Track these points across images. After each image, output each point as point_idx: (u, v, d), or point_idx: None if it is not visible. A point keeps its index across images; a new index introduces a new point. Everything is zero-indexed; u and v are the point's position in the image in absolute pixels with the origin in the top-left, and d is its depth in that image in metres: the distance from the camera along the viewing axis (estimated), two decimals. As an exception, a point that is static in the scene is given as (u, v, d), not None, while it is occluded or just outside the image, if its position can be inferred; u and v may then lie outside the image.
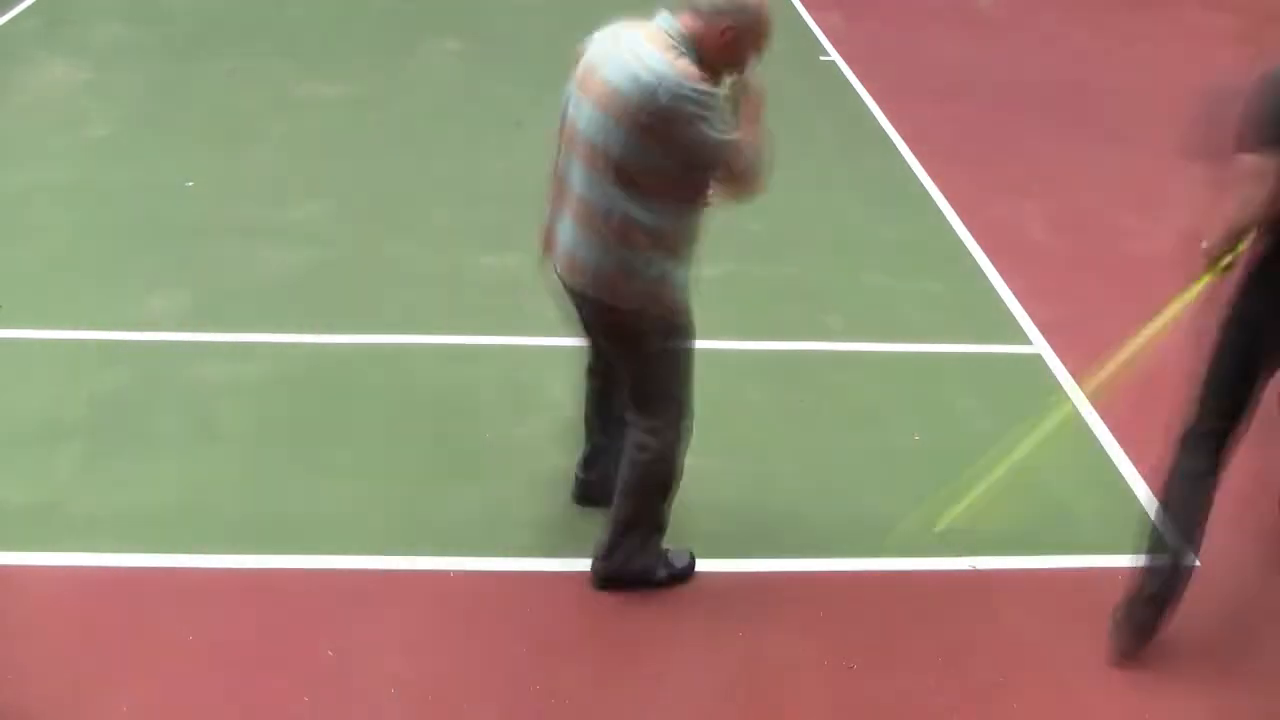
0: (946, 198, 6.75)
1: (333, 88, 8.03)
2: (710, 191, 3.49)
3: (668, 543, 3.87)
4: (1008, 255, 6.08)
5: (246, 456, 4.37)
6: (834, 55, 9.26)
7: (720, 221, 6.40)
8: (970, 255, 6.13)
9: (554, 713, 3.41)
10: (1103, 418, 4.80)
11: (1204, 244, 3.76)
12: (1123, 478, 4.48)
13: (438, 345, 5.04)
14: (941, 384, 5.03)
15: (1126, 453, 4.60)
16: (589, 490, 4.12)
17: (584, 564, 3.94)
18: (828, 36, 9.69)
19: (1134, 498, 4.37)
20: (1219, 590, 3.96)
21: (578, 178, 3.44)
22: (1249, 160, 3.50)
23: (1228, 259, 3.73)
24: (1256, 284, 3.66)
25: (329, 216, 6.22)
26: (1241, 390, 3.75)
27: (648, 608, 3.80)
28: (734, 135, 3.32)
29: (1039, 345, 5.32)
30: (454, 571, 3.89)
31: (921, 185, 6.95)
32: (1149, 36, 10.18)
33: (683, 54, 3.29)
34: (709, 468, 4.41)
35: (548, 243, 3.65)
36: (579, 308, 3.62)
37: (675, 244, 3.48)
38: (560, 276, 3.58)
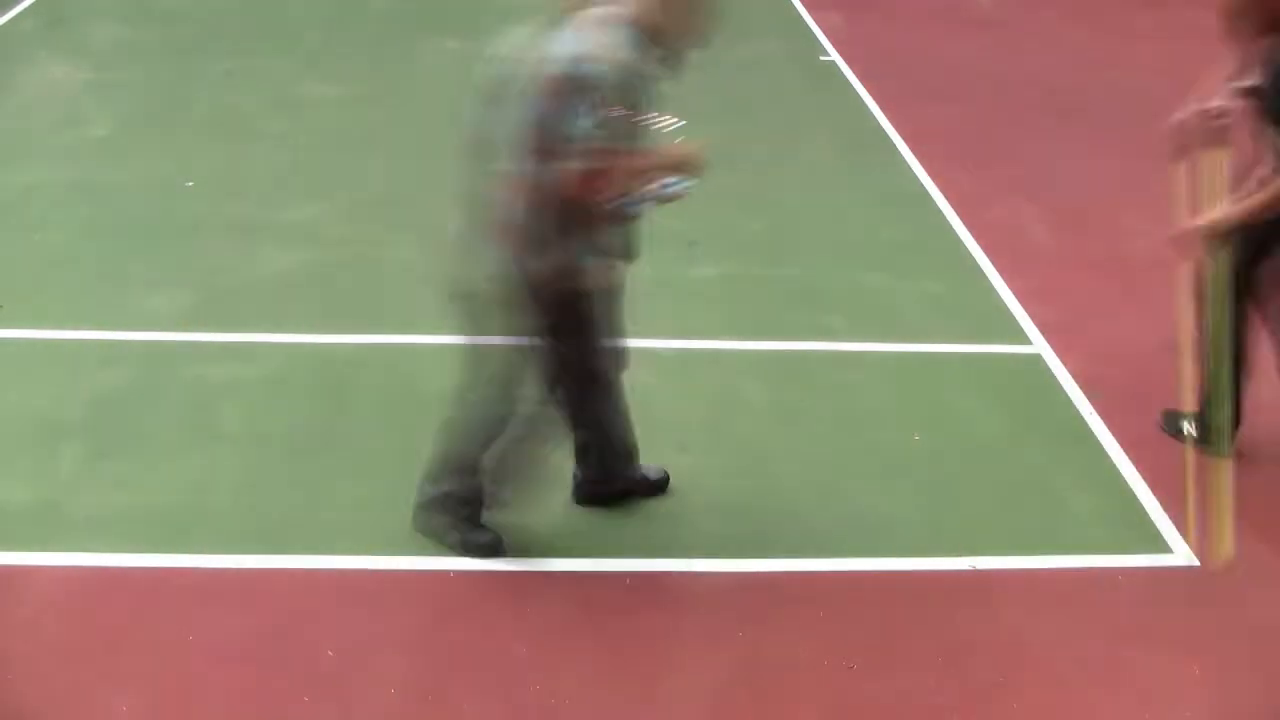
0: (946, 198, 6.75)
1: (333, 87, 8.03)
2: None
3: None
4: (1008, 255, 6.08)
5: (246, 456, 4.37)
6: (834, 55, 9.26)
7: (720, 221, 6.43)
8: (970, 255, 6.13)
9: (554, 713, 3.41)
10: (1103, 418, 4.80)
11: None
12: (1123, 478, 4.48)
13: (438, 345, 5.03)
14: (941, 384, 5.03)
15: (1126, 453, 4.60)
16: (582, 489, 4.13)
17: (584, 564, 3.95)
18: (828, 36, 9.69)
19: (1134, 498, 4.37)
20: (1219, 590, 3.97)
21: (514, 164, 3.53)
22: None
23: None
24: None
25: (329, 216, 6.22)
26: None
27: (648, 608, 3.80)
28: (591, 133, 3.35)
29: (1039, 345, 5.32)
30: (454, 571, 3.89)
31: (921, 185, 6.95)
32: (1149, 36, 10.18)
33: (616, 32, 3.38)
34: (709, 468, 4.42)
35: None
36: None
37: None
38: None
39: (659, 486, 4.22)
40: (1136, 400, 4.93)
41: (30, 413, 4.55)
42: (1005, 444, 4.67)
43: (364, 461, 4.34)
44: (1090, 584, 3.99)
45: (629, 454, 4.12)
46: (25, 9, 9.44)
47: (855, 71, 8.86)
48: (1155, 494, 4.37)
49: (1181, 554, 4.10)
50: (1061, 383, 5.05)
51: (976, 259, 6.08)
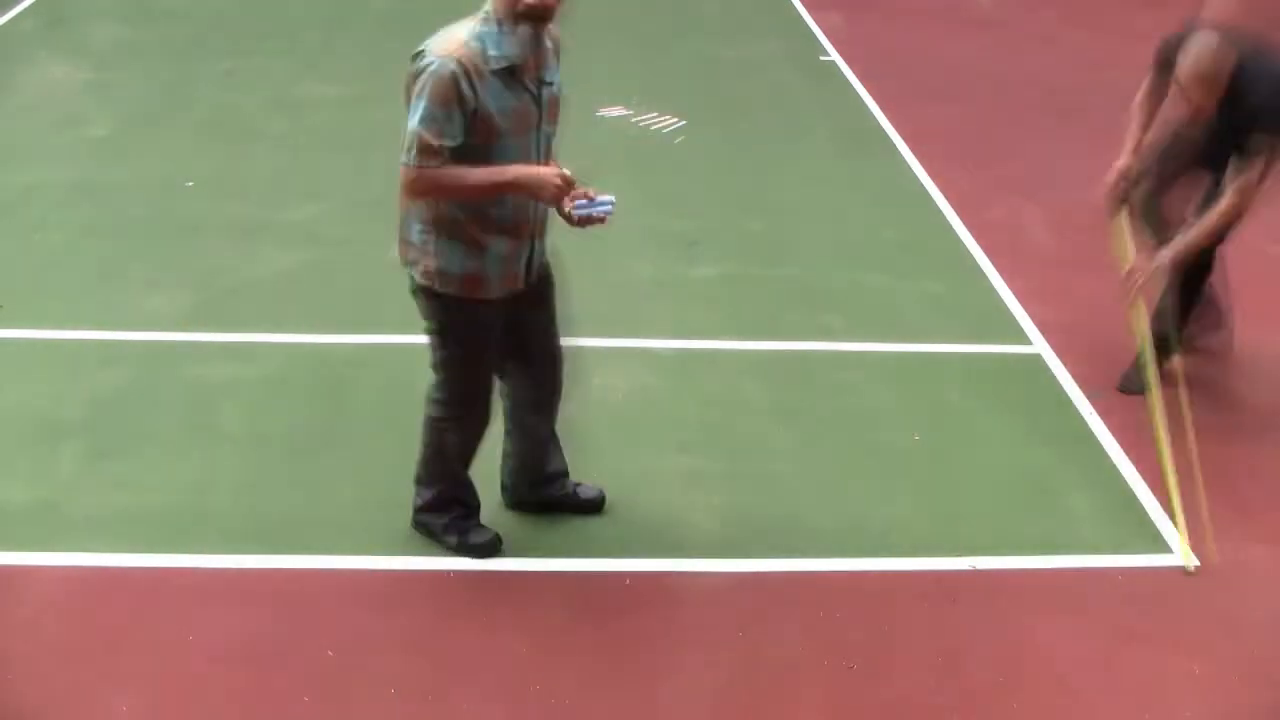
0: (946, 198, 6.75)
1: (332, 88, 8.03)
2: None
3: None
4: (1008, 255, 6.08)
5: (246, 456, 4.37)
6: (834, 55, 9.26)
7: (720, 221, 6.43)
8: (970, 255, 6.13)
9: (554, 713, 3.41)
10: (1103, 418, 4.80)
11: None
12: (1123, 478, 4.48)
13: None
14: (941, 384, 5.03)
15: (1126, 453, 4.60)
16: (504, 492, 4.13)
17: (584, 564, 3.95)
18: (828, 36, 9.69)
19: (1134, 498, 4.37)
20: (1219, 590, 3.97)
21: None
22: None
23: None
24: None
25: (329, 216, 6.22)
26: None
27: (648, 608, 3.80)
28: (416, 125, 3.32)
29: (1039, 345, 5.32)
30: (453, 571, 3.89)
31: (921, 185, 6.95)
32: (1149, 36, 10.12)
33: (486, 23, 3.35)
34: (709, 468, 4.42)
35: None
36: None
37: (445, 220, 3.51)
38: None
39: (590, 506, 4.13)
40: (1136, 400, 4.94)
41: (30, 413, 4.55)
42: (1005, 444, 4.67)
43: (364, 461, 4.34)
44: (1090, 584, 3.99)
45: (542, 477, 4.08)
46: (25, 9, 9.44)
47: (855, 71, 8.85)
48: (1155, 494, 4.37)
49: (1181, 554, 4.10)
50: (1061, 383, 5.05)
51: (976, 259, 6.08)
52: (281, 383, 4.81)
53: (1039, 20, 10.53)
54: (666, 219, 6.31)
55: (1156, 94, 4.96)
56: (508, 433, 4.02)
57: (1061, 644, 3.73)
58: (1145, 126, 5.02)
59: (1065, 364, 5.16)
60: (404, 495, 3.98)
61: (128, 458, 4.33)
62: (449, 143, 3.33)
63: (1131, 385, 4.98)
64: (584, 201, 3.46)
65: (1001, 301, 5.69)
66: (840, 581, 3.94)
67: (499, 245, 3.53)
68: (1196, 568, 4.04)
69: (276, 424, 4.56)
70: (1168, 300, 4.95)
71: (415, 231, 3.55)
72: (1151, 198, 5.02)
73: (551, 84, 3.52)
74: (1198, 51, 4.51)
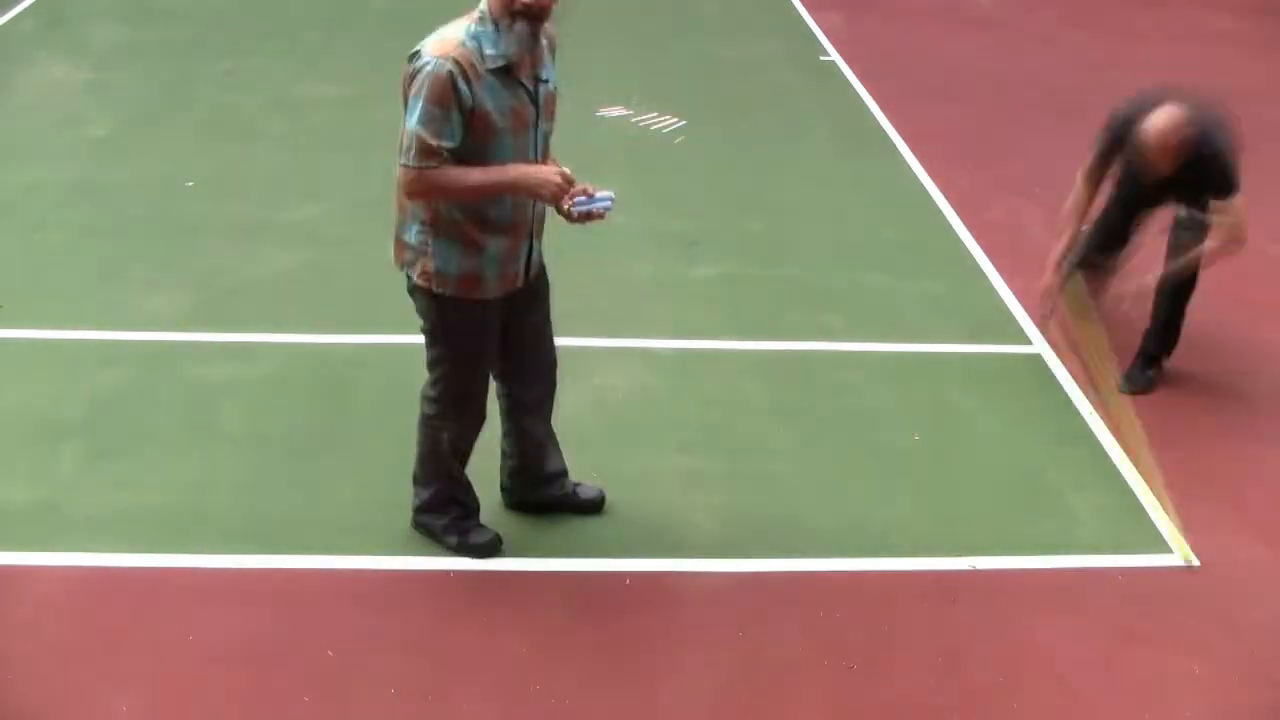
0: (946, 198, 6.75)
1: (333, 88, 8.03)
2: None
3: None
4: (1008, 255, 6.08)
5: (246, 456, 4.37)
6: (834, 55, 9.26)
7: (720, 221, 6.42)
8: (970, 255, 6.13)
9: (554, 713, 3.41)
10: (1103, 418, 4.80)
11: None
12: (1123, 478, 4.48)
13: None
14: (941, 384, 5.03)
15: (1126, 453, 4.59)
16: (504, 493, 4.12)
17: (584, 564, 3.95)
18: (828, 36, 9.69)
19: (1134, 498, 4.37)
20: (1219, 590, 3.97)
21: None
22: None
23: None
24: None
25: (329, 216, 6.22)
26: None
27: (647, 608, 3.80)
28: (414, 125, 3.33)
29: (1039, 345, 5.32)
30: (454, 571, 3.89)
31: (921, 185, 6.95)
32: (1149, 36, 10.18)
33: (481, 22, 3.35)
34: (709, 468, 4.42)
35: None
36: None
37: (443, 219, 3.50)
38: None
39: (589, 506, 4.13)
40: (1137, 400, 4.94)
41: (30, 413, 4.55)
42: (1005, 444, 4.67)
43: (364, 461, 4.34)
44: (1090, 584, 3.99)
45: (541, 478, 4.07)
46: (25, 9, 9.44)
47: (855, 71, 8.85)
48: (1155, 494, 4.37)
49: (1181, 554, 4.10)
50: (1061, 383, 5.05)
51: (976, 259, 6.08)
52: (281, 383, 4.81)
53: (1039, 20, 10.54)
54: (666, 219, 6.31)
55: (1104, 168, 5.11)
56: (505, 434, 4.02)
57: (1061, 644, 3.73)
58: (1090, 201, 5.18)
59: (1065, 364, 5.16)
60: (404, 495, 3.98)
61: (128, 458, 4.33)
62: (448, 143, 3.32)
63: (1131, 385, 4.99)
64: (583, 199, 3.46)
65: (1001, 301, 5.69)
66: (840, 581, 3.94)
67: (497, 245, 3.53)
68: (1195, 566, 4.04)
69: (276, 424, 4.56)
70: (1157, 316, 5.06)
71: (413, 232, 3.54)
72: (1092, 257, 5.23)
73: (547, 81, 3.52)
74: (1166, 122, 4.69)
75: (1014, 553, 4.09)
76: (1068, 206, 5.19)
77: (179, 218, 6.14)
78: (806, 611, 3.80)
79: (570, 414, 4.20)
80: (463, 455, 3.88)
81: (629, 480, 4.27)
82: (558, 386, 4.01)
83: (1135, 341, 5.11)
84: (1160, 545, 4.15)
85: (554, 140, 3.64)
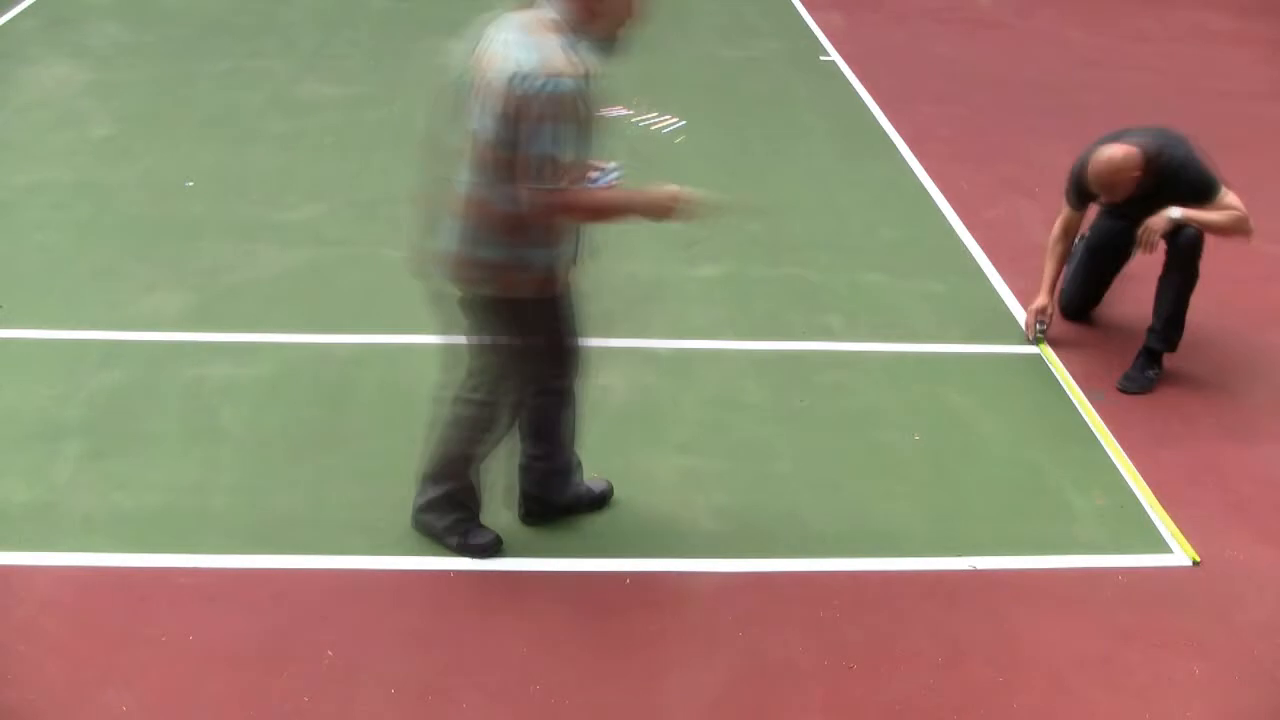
0: (946, 198, 6.75)
1: (333, 88, 8.03)
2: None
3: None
4: (1008, 255, 6.08)
5: (246, 456, 4.37)
6: (834, 55, 9.26)
7: (720, 221, 6.41)
8: (970, 255, 6.13)
9: (555, 712, 3.41)
10: (1103, 418, 4.80)
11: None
12: (1123, 478, 4.48)
13: (437, 345, 5.02)
14: (941, 384, 5.03)
15: (1127, 453, 4.60)
16: (523, 506, 4.08)
17: (584, 564, 3.95)
18: (828, 36, 9.70)
19: (1134, 497, 4.37)
20: (1219, 590, 3.97)
21: (464, 175, 3.47)
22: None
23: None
24: None
25: (329, 216, 6.22)
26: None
27: (647, 607, 3.80)
28: (546, 148, 3.28)
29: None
30: (454, 571, 3.89)
31: (921, 185, 6.95)
32: (1149, 36, 10.19)
33: (562, 33, 3.32)
34: (709, 468, 4.42)
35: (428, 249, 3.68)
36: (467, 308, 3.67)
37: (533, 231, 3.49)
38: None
39: (602, 500, 4.15)
40: (1137, 400, 4.95)
41: (30, 413, 4.55)
42: (1005, 444, 4.67)
43: (364, 461, 4.34)
44: (1090, 584, 3.99)
45: (570, 470, 4.07)
46: (25, 9, 9.44)
47: (855, 71, 8.86)
48: (1155, 494, 4.38)
49: (1181, 554, 4.10)
50: (1061, 383, 5.05)
51: (976, 259, 6.08)
52: (281, 383, 4.81)
53: (1039, 20, 10.54)
54: (666, 219, 6.30)
55: (1072, 230, 5.31)
56: (528, 437, 3.97)
57: (1062, 644, 3.73)
58: (1063, 260, 5.35)
59: (1065, 364, 5.16)
60: (404, 495, 3.98)
61: (127, 458, 4.33)
62: (572, 159, 3.35)
63: (1132, 385, 4.99)
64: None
65: (1001, 301, 5.69)
66: (840, 581, 3.94)
67: (568, 241, 3.59)
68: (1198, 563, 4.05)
69: (276, 424, 4.56)
70: (1160, 311, 5.08)
71: (489, 249, 3.48)
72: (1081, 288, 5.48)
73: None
74: (1111, 147, 4.91)
75: (1014, 553, 4.09)
76: (1046, 270, 5.34)
77: (179, 218, 6.14)
78: (806, 611, 3.80)
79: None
80: (485, 460, 3.89)
81: (629, 480, 4.27)
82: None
83: (1136, 342, 5.12)
84: (1160, 545, 4.16)
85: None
